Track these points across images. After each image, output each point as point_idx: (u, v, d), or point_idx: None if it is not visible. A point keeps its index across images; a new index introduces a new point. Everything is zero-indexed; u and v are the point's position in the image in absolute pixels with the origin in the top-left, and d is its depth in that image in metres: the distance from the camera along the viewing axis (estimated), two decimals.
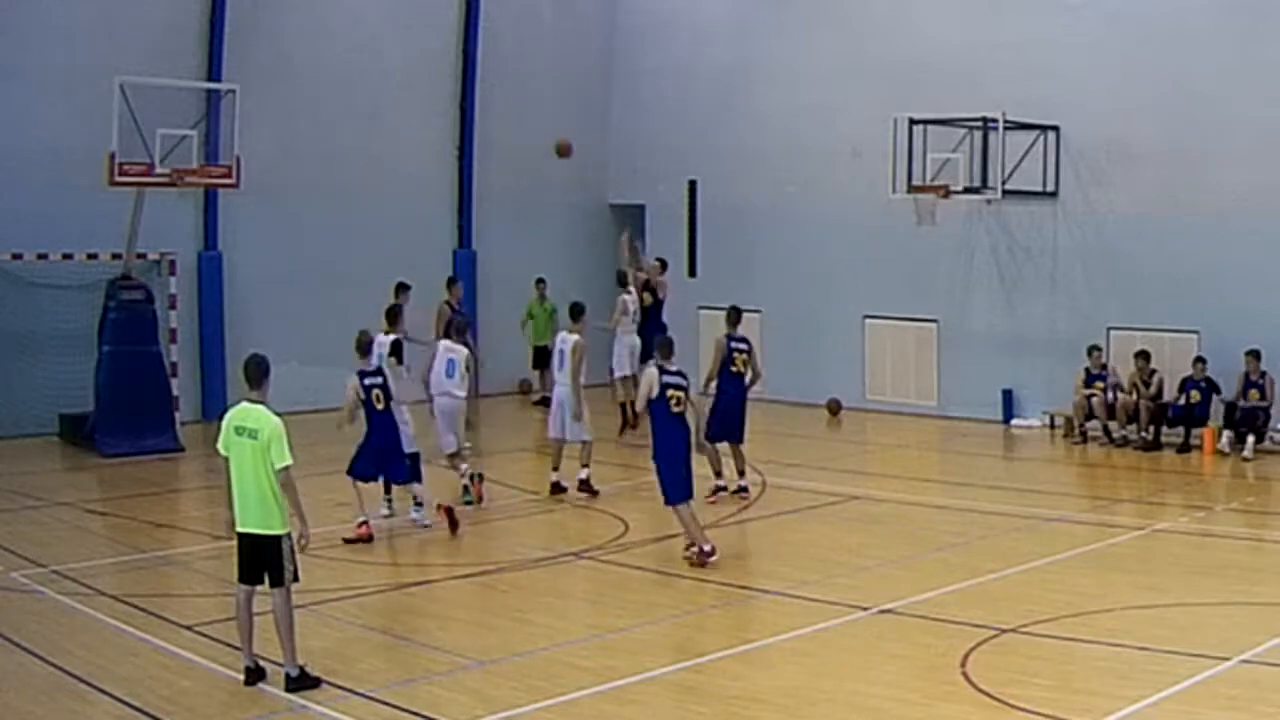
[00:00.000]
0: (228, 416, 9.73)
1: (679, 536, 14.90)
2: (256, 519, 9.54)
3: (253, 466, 9.49)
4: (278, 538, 9.56)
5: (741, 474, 16.51)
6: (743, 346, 16.41)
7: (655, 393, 12.95)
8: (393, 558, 13.88)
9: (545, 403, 23.47)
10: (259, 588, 9.71)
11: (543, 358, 24.17)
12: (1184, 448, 19.72)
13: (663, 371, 13.01)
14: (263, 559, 9.60)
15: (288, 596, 9.65)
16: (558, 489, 16.77)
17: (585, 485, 16.75)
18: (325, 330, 19.35)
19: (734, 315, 16.69)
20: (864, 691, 9.73)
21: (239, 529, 9.62)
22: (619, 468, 18.98)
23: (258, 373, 9.76)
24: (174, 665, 10.23)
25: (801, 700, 9.51)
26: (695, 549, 13.15)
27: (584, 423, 16.67)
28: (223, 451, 9.70)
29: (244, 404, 9.71)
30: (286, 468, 9.48)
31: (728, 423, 16.19)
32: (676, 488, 13.11)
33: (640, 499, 17.05)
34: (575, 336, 16.77)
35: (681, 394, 12.99)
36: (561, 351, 16.82)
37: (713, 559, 13.04)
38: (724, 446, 16.33)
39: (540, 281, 25.09)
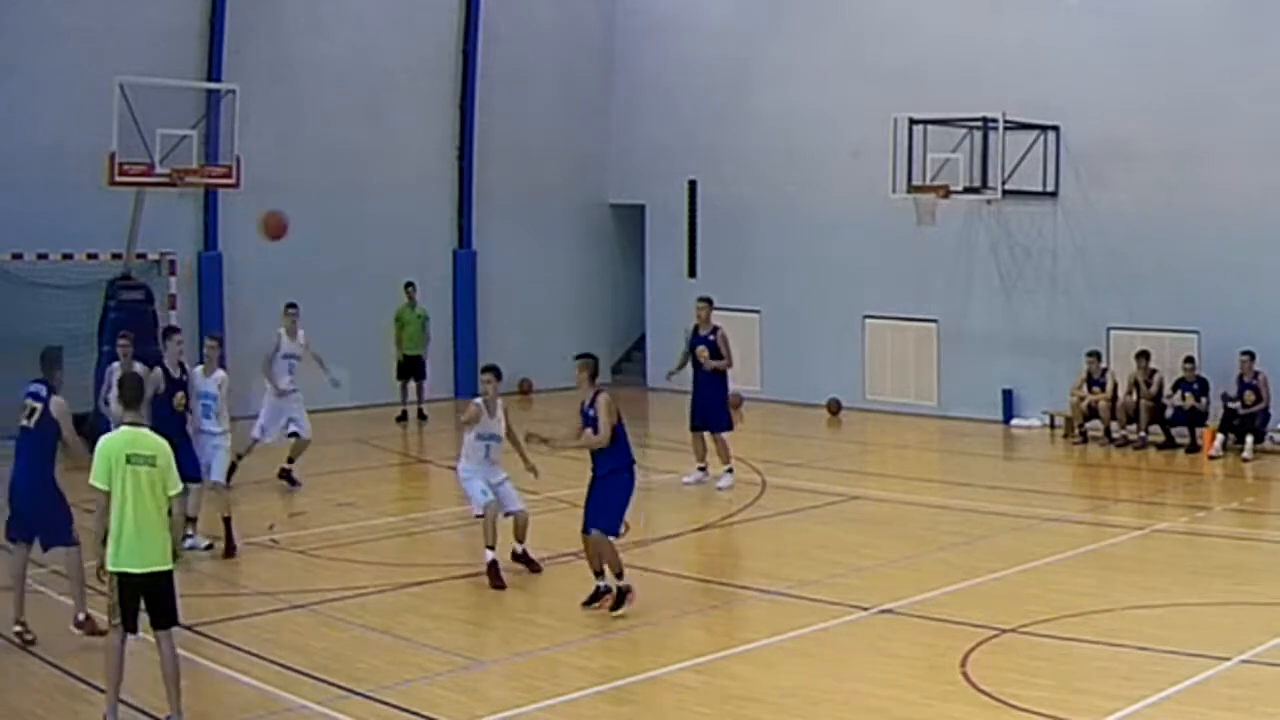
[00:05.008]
0: (111, 445, 8.71)
1: (676, 537, 14.93)
2: (159, 554, 8.72)
3: (152, 497, 8.66)
4: (171, 571, 8.85)
5: None
6: None
7: None
8: (393, 558, 13.86)
9: (406, 417, 22.76)
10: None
11: (411, 368, 22.95)
12: (1189, 447, 19.71)
13: None
14: (154, 598, 8.77)
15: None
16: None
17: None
18: (326, 330, 19.31)
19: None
20: (864, 691, 9.72)
21: (130, 569, 8.65)
22: None
23: (136, 393, 9.03)
24: None
25: (801, 700, 9.50)
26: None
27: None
28: (103, 485, 8.62)
29: (127, 428, 8.80)
30: (179, 494, 8.92)
31: None
32: None
33: (640, 500, 17.05)
34: None
35: None
36: None
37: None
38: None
39: (409, 285, 23.25)
